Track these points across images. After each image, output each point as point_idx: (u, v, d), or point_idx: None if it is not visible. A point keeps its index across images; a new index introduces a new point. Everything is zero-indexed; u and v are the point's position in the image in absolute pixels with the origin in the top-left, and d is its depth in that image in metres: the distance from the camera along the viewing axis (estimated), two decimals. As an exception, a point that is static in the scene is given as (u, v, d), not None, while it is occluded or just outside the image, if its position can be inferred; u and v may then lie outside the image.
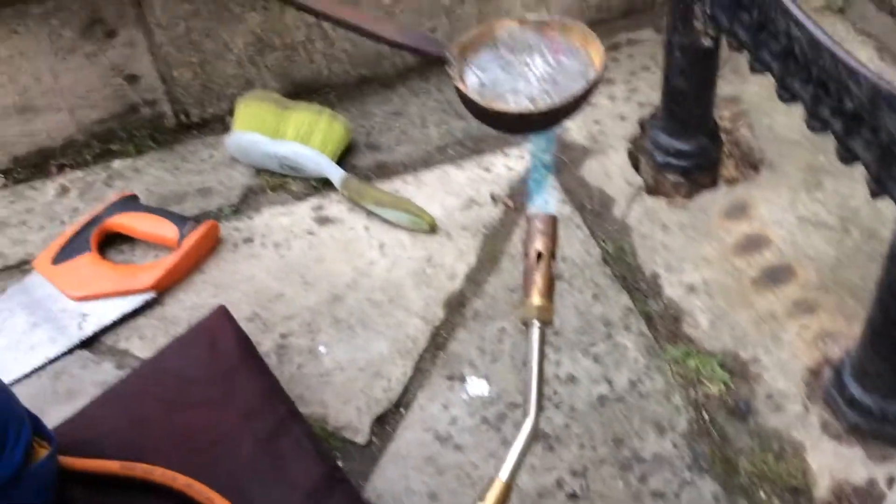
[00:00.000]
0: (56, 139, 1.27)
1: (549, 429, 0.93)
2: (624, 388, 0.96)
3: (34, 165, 1.28)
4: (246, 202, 1.21)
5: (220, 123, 1.33)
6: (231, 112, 1.27)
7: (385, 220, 1.15)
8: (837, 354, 0.96)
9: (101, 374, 1.01)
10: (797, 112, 0.84)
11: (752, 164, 1.19)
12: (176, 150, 1.29)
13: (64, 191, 1.24)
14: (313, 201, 1.20)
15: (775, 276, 1.05)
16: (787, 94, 0.85)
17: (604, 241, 1.11)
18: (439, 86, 1.36)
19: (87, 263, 1.10)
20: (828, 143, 0.81)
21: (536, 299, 0.73)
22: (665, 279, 1.06)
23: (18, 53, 1.18)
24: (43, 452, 0.76)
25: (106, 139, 1.29)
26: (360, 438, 0.94)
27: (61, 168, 1.27)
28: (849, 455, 0.89)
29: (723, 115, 1.24)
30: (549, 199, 1.13)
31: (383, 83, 1.38)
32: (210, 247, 1.13)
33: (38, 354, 1.03)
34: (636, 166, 1.20)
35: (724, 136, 1.17)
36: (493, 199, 1.18)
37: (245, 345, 0.96)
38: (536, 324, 0.73)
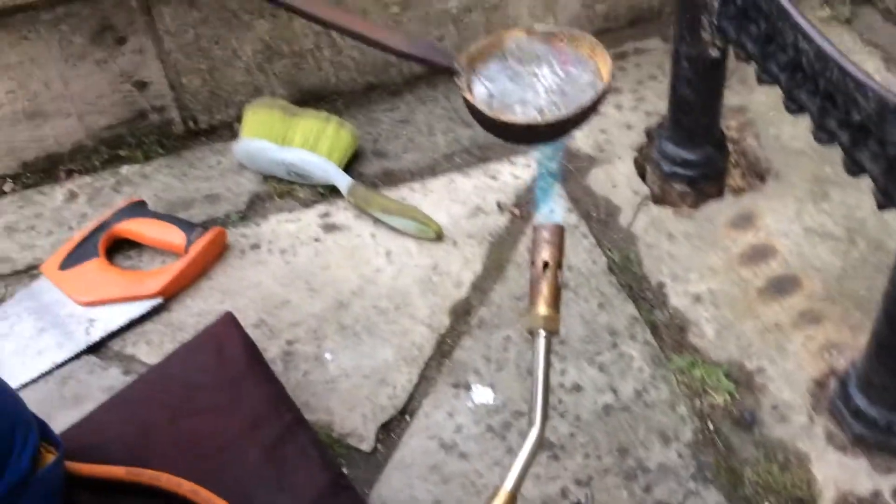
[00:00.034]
0: (65, 145, 1.28)
1: (554, 438, 0.93)
2: (629, 397, 0.96)
3: (43, 171, 1.28)
4: (253, 209, 1.21)
5: (228, 130, 1.33)
6: (239, 119, 1.28)
7: (391, 228, 1.16)
8: (843, 365, 0.96)
9: (107, 380, 1.01)
10: (804, 122, 0.84)
11: (758, 174, 1.19)
12: (184, 156, 1.30)
13: (72, 196, 1.24)
14: (320, 208, 1.20)
15: (781, 286, 1.05)
16: (794, 105, 0.85)
17: (610, 250, 1.11)
18: (446, 94, 1.36)
19: (95, 269, 1.11)
20: (834, 154, 0.81)
21: (542, 309, 0.73)
22: (671, 289, 1.06)
23: (29, 59, 1.19)
24: (50, 458, 0.76)
25: (114, 145, 1.30)
26: (366, 446, 0.94)
27: (70, 173, 1.28)
28: (854, 466, 0.88)
29: (729, 124, 1.24)
30: (555, 208, 1.14)
31: (390, 91, 1.38)
32: (217, 253, 1.14)
33: (46, 359, 1.03)
34: (642, 175, 1.20)
35: (730, 146, 1.17)
36: (500, 207, 1.18)
37: (252, 351, 0.96)
38: (542, 333, 0.73)
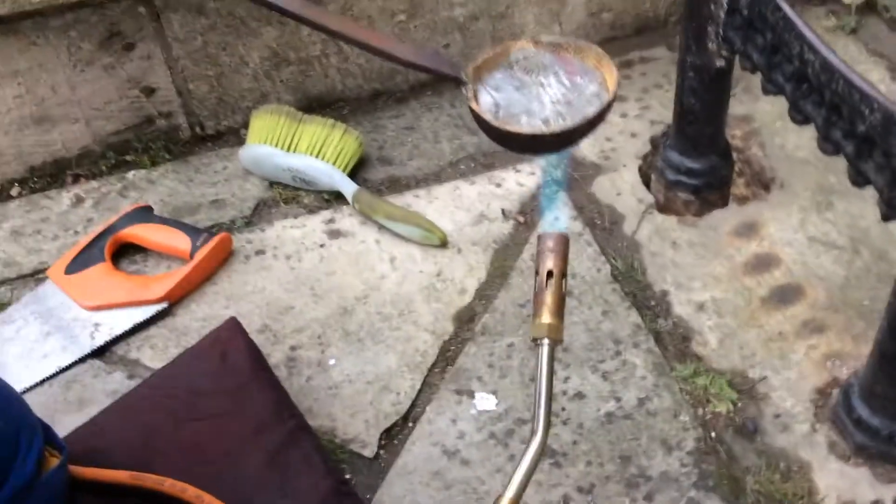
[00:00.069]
0: (72, 149, 1.29)
1: (557, 445, 0.93)
2: (632, 405, 0.96)
3: (50, 175, 1.29)
4: (258, 214, 1.22)
5: (234, 136, 1.34)
6: (245, 125, 1.28)
7: (396, 234, 1.16)
8: (845, 375, 0.96)
9: (112, 384, 1.01)
10: (809, 132, 0.85)
11: (762, 183, 1.19)
12: (190, 161, 1.31)
13: (79, 201, 1.25)
14: (325, 214, 1.20)
15: (784, 295, 1.05)
16: (799, 116, 0.86)
17: (614, 258, 1.12)
18: (452, 101, 1.37)
19: (101, 273, 1.11)
20: (839, 163, 0.81)
21: (546, 318, 0.73)
22: (674, 297, 1.06)
23: (37, 65, 1.20)
24: (54, 461, 0.77)
25: (121, 150, 1.30)
26: (368, 452, 0.94)
27: (76, 178, 1.29)
28: (855, 476, 0.89)
29: (734, 133, 1.24)
30: (560, 216, 1.14)
31: (396, 98, 1.39)
32: (222, 258, 1.14)
33: (50, 363, 1.04)
34: (647, 184, 1.21)
35: (735, 155, 1.17)
36: (504, 214, 1.18)
37: (256, 357, 0.96)
38: (546, 342, 0.73)
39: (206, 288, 1.12)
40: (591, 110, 0.79)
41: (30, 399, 0.82)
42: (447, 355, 1.03)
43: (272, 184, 1.25)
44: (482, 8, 1.34)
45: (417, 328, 1.05)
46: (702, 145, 1.11)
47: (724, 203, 1.16)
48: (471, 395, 0.98)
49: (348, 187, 1.19)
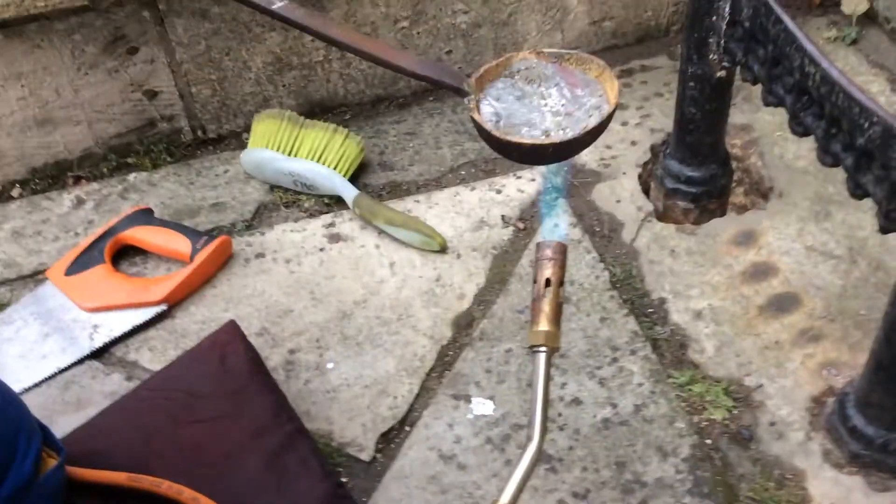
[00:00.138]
0: (74, 151, 1.29)
1: (553, 450, 0.93)
2: (628, 412, 0.96)
3: (51, 177, 1.29)
4: (259, 218, 1.22)
5: (235, 140, 1.34)
6: (247, 129, 1.29)
7: (396, 239, 1.16)
8: (841, 384, 0.96)
9: (110, 385, 1.02)
10: (808, 143, 0.85)
11: (761, 192, 1.20)
12: (191, 164, 1.31)
13: (79, 202, 1.25)
14: (325, 218, 1.21)
15: (782, 304, 1.05)
16: (799, 127, 0.86)
17: (612, 266, 1.12)
18: (453, 107, 1.37)
19: (100, 275, 1.12)
20: (837, 173, 0.81)
21: (544, 325, 0.74)
22: (672, 305, 1.07)
23: (41, 68, 1.20)
24: (52, 463, 0.77)
25: (123, 152, 1.31)
26: (365, 455, 0.95)
27: (78, 180, 1.29)
28: (849, 484, 0.89)
29: (734, 142, 1.25)
30: (559, 223, 1.14)
31: (398, 103, 1.39)
32: (222, 261, 1.15)
33: (49, 364, 1.04)
34: (646, 192, 1.21)
35: (734, 164, 1.17)
36: (504, 220, 1.19)
37: (254, 360, 0.97)
38: (543, 349, 0.73)
39: (205, 290, 1.12)
40: (591, 122, 0.80)
41: (28, 400, 0.83)
42: (445, 360, 1.03)
43: (273, 187, 1.25)
44: (485, 15, 1.35)
45: (416, 333, 1.06)
46: (701, 154, 1.11)
47: (722, 212, 1.16)
48: (468, 400, 0.99)
49: (349, 192, 1.20)
